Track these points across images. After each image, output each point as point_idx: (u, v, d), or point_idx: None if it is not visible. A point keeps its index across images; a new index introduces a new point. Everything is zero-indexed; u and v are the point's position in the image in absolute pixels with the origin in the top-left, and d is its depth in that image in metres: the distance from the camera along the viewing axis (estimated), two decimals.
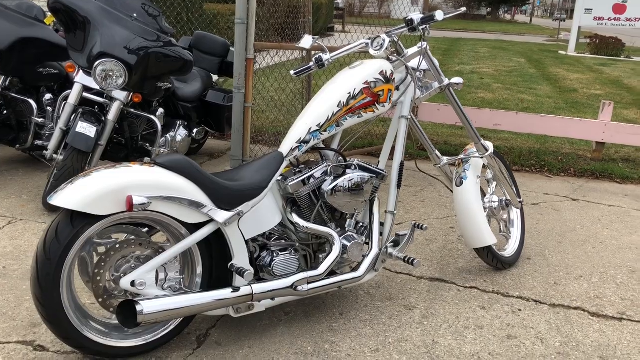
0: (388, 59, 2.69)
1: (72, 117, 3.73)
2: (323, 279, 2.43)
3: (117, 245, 2.13)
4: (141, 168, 2.10)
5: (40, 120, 4.22)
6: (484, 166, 3.18)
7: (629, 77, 11.41)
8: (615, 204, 4.52)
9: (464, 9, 2.64)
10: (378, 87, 2.57)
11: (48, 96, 4.44)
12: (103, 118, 3.75)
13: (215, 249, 2.29)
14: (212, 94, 4.91)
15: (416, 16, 2.58)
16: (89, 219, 2.03)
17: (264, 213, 2.36)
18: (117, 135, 4.07)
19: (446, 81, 2.83)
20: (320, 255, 2.53)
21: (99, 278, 2.12)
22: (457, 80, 2.81)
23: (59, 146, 3.75)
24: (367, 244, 2.64)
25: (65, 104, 4.03)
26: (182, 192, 2.12)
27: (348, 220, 2.61)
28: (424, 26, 2.59)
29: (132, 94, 3.83)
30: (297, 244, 2.48)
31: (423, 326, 2.60)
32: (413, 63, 2.77)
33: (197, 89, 4.80)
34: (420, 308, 2.75)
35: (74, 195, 1.98)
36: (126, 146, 4.16)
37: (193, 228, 2.21)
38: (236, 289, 2.23)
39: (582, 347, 2.51)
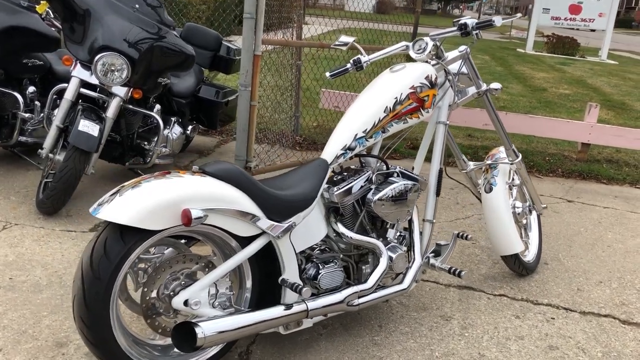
0: (426, 62, 2.61)
1: (70, 114, 3.49)
2: (372, 292, 2.34)
3: (168, 262, 1.97)
4: (194, 178, 1.95)
5: (27, 115, 3.93)
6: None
7: (591, 77, 11.75)
8: (609, 205, 4.60)
9: (519, 14, 2.59)
10: (424, 92, 2.48)
11: (31, 89, 4.17)
12: (103, 115, 3.52)
13: (263, 262, 2.17)
14: (205, 90, 4.72)
15: (470, 20, 2.51)
16: (141, 234, 1.86)
17: (313, 224, 2.25)
18: (112, 133, 3.83)
19: (484, 86, 2.77)
20: (363, 267, 2.43)
21: (147, 297, 1.96)
22: (495, 85, 2.76)
23: (55, 145, 3.50)
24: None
25: (55, 98, 3.79)
26: (237, 203, 1.98)
27: (389, 230, 2.52)
28: (477, 31, 2.52)
29: (132, 89, 3.62)
30: (341, 255, 2.38)
31: (465, 338, 2.55)
32: (452, 67, 2.70)
33: (191, 84, 4.60)
34: (457, 318, 2.70)
35: (126, 209, 1.81)
36: (122, 144, 3.93)
37: (243, 241, 2.07)
38: (290, 306, 2.11)
39: (624, 357, 2.51)
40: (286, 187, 2.22)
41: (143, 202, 1.83)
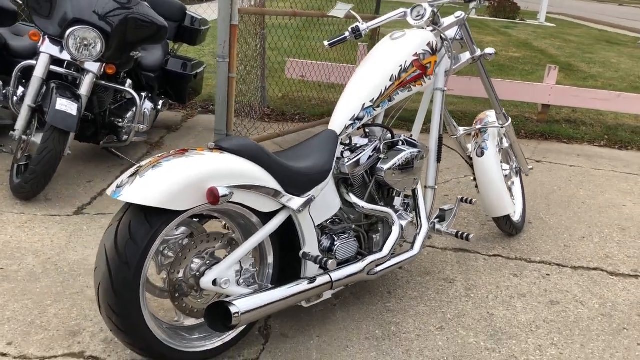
0: (422, 28, 2.60)
1: (42, 92, 3.31)
2: (388, 260, 2.36)
3: (193, 242, 1.92)
4: (214, 155, 1.89)
5: None
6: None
7: (535, 39, 12.05)
8: (574, 164, 4.79)
9: None
10: (426, 59, 2.48)
11: None
12: (78, 92, 3.35)
13: (283, 237, 2.14)
14: (173, 62, 4.56)
15: None
16: (167, 216, 1.80)
17: (329, 196, 2.23)
18: (85, 111, 3.65)
19: (479, 52, 2.80)
20: (374, 236, 2.45)
21: (174, 279, 1.91)
22: (490, 50, 2.79)
23: (28, 126, 3.32)
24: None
25: (20, 76, 3.58)
26: (259, 179, 1.94)
27: (396, 198, 2.54)
28: None
29: (105, 64, 3.45)
30: (353, 226, 2.38)
31: (472, 299, 2.62)
32: (448, 33, 2.70)
33: (158, 57, 4.43)
34: (459, 280, 2.76)
35: (150, 190, 1.74)
36: (94, 122, 3.76)
37: (264, 216, 2.04)
38: (315, 279, 2.10)
39: (618, 307, 2.64)
40: (299, 160, 2.19)
41: (167, 182, 1.76)
